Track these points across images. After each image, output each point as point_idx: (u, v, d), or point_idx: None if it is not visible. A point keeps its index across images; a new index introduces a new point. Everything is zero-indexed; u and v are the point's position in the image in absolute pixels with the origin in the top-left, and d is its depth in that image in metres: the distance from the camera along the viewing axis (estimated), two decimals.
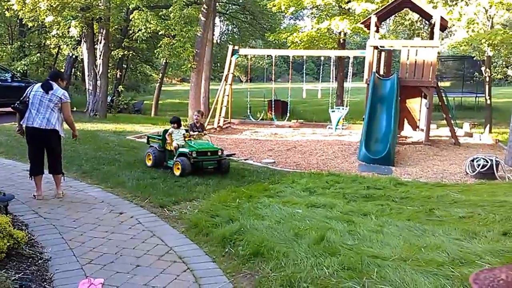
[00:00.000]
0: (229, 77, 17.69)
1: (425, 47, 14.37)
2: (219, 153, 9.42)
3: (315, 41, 22.13)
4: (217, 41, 36.57)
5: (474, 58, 23.45)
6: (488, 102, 18.16)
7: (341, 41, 23.32)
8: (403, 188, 8.86)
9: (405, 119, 16.14)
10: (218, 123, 17.01)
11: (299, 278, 4.56)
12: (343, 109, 16.61)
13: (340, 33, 22.45)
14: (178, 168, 8.98)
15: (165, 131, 9.76)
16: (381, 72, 16.19)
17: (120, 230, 6.17)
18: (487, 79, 18.14)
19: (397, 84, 13.65)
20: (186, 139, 9.45)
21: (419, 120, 15.92)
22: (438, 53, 19.52)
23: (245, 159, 11.51)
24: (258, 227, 6.11)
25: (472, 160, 10.19)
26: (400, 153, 12.87)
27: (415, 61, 14.25)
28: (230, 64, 17.74)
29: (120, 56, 24.32)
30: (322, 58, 17.99)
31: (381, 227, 6.35)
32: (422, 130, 14.95)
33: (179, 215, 6.82)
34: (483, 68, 18.94)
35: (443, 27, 15.70)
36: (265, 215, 6.67)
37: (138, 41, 20.28)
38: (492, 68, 21.18)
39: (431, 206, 7.50)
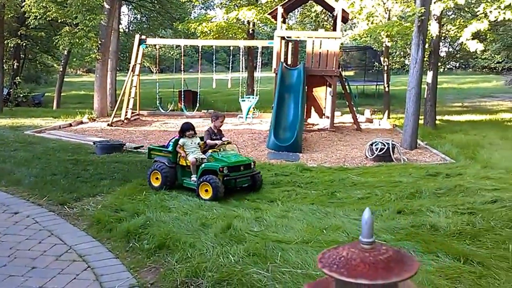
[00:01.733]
0: (137, 68, 17.13)
1: (328, 38, 14.95)
2: (252, 166, 7.58)
3: (224, 31, 22.14)
4: (124, 30, 35.23)
5: (374, 49, 24.91)
6: (387, 90, 19.38)
7: (251, 31, 23.56)
8: (308, 173, 9.19)
9: (312, 107, 16.72)
10: (126, 115, 16.43)
11: (204, 268, 4.55)
12: (253, 98, 16.81)
13: (249, 23, 22.64)
14: (206, 191, 6.88)
15: (176, 142, 7.56)
16: (289, 62, 16.59)
17: (15, 231, 5.76)
18: (386, 68, 19.33)
19: (304, 74, 14.06)
20: (211, 150, 7.37)
21: (324, 108, 16.57)
22: (342, 43, 20.42)
23: None
24: (165, 219, 6.01)
25: (371, 144, 10.82)
26: (307, 140, 13.31)
27: (320, 52, 14.78)
28: (137, 54, 17.16)
29: (14, 45, 22.53)
30: (232, 48, 18.02)
31: (287, 212, 6.54)
32: (328, 117, 15.58)
33: (81, 212, 6.50)
34: (382, 58, 20.15)
35: (345, 19, 16.42)
36: (172, 207, 6.57)
37: (36, 30, 18.86)
38: (390, 58, 22.56)
39: (333, 189, 7.87)
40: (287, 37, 15.89)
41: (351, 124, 16.13)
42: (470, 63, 47.89)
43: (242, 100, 16.60)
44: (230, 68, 18.45)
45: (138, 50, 17.18)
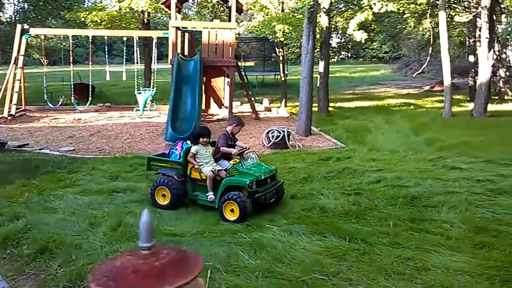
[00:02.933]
0: (20, 60, 15.78)
1: (223, 28, 14.94)
2: (276, 176, 6.49)
3: (117, 21, 21.21)
4: (7, 20, 32.33)
5: (271, 40, 25.40)
6: (283, 79, 19.93)
7: (145, 21, 22.85)
8: None
9: (211, 98, 16.68)
10: (9, 111, 15.09)
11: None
12: (149, 90, 16.33)
13: (143, 12, 21.91)
14: (232, 211, 5.76)
15: (187, 150, 6.37)
16: (186, 53, 16.31)
17: None
18: (281, 58, 19.85)
19: (200, 64, 13.93)
20: (232, 161, 6.31)
21: (223, 98, 16.62)
22: (238, 34, 20.55)
23: (40, 149, 10.45)
24: (49, 221, 5.59)
25: (268, 133, 11.05)
26: None
27: (216, 42, 14.74)
28: (19, 45, 15.80)
29: None
30: (126, 39, 17.29)
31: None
32: (227, 107, 15.63)
33: None
34: (277, 49, 20.64)
35: (240, 10, 16.52)
36: (57, 208, 6.14)
37: None
38: (286, 48, 23.18)
39: None
40: (183, 27, 15.61)
41: (250, 113, 16.33)
42: (360, 53, 50.98)
43: (138, 93, 16.06)
44: (125, 60, 17.68)
45: (20, 41, 15.83)
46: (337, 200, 6.48)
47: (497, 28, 17.22)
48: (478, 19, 17.50)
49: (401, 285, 4.09)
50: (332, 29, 22.74)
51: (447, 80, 16.01)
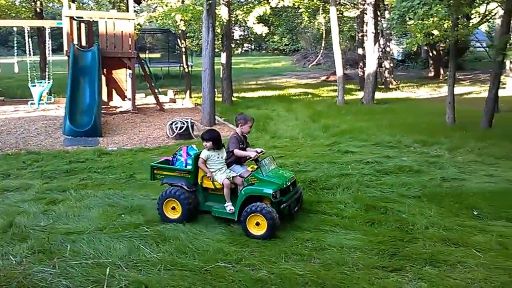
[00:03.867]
0: None
1: (121, 19, 14.44)
2: (296, 182, 5.85)
3: (7, 10, 19.63)
4: None
5: (174, 32, 24.99)
6: (187, 70, 19.77)
7: (38, 10, 21.33)
8: (107, 157, 8.83)
9: (114, 90, 16.08)
10: None
11: None
12: (45, 82, 15.29)
13: (35, 1, 20.43)
14: (258, 224, 5.05)
15: (197, 156, 5.58)
16: (84, 44, 15.52)
17: None
18: (184, 50, 19.66)
19: (98, 55, 13.34)
20: (249, 167, 5.66)
21: (126, 90, 16.09)
22: (140, 25, 19.96)
23: None
24: None
25: (171, 124, 10.94)
26: (108, 123, 12.76)
27: (114, 33, 14.21)
28: None
29: None
30: (15, 29, 15.97)
31: (80, 201, 6.16)
32: (130, 99, 15.18)
33: None
34: (180, 41, 20.38)
35: (138, 0, 16.08)
36: None
37: None
38: (189, 40, 23.01)
39: (133, 171, 7.73)
40: (77, 17, 14.80)
41: (154, 105, 16.01)
42: (263, 46, 52.08)
43: (32, 85, 14.95)
44: (16, 51, 16.32)
45: None
46: None
47: (382, 23, 18.56)
48: (365, 14, 18.72)
49: (300, 266, 4.33)
50: (233, 22, 22.98)
51: (339, 71, 16.99)
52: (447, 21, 12.30)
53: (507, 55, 9.58)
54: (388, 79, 23.08)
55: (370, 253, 4.61)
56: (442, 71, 26.01)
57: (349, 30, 29.50)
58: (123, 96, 16.20)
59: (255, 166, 5.43)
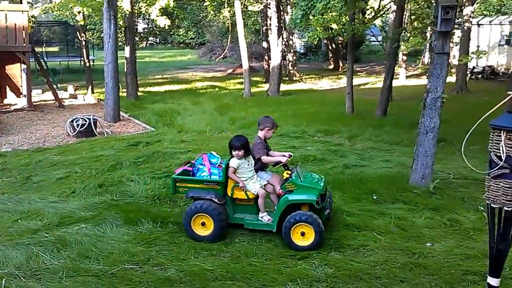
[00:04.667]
0: None
1: (14, 11, 13.35)
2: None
3: None
4: None
5: (73, 24, 23.54)
6: (88, 64, 18.77)
7: None
8: (0, 159, 8.13)
9: (7, 87, 14.86)
10: None
11: None
12: None
13: None
14: (303, 234, 4.62)
15: (227, 166, 5.02)
16: None
17: None
18: (84, 43, 18.64)
19: None
20: (285, 173, 5.02)
21: (21, 86, 14.92)
22: (34, 17, 18.57)
23: None
24: None
25: (72, 121, 10.33)
26: (2, 122, 11.76)
27: (6, 26, 13.08)
28: None
29: None
30: None
31: None
32: (25, 96, 14.09)
33: None
34: (79, 33, 19.27)
35: None
36: None
37: None
38: (90, 33, 21.82)
39: (29, 173, 7.20)
40: None
41: (53, 101, 15.01)
42: (168, 39, 51.02)
43: None
44: None
45: None
46: (147, 185, 6.46)
47: (284, 17, 19.06)
48: (268, 9, 19.09)
49: (210, 261, 4.32)
50: (136, 14, 22.23)
51: (245, 64, 17.20)
52: (345, 15, 12.94)
53: (400, 47, 10.29)
54: (291, 72, 23.80)
55: (278, 243, 4.72)
56: (341, 64, 27.38)
57: (254, 24, 29.91)
58: (18, 93, 15.01)
59: (289, 172, 5.00)
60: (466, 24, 17.04)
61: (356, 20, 13.96)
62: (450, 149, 8.73)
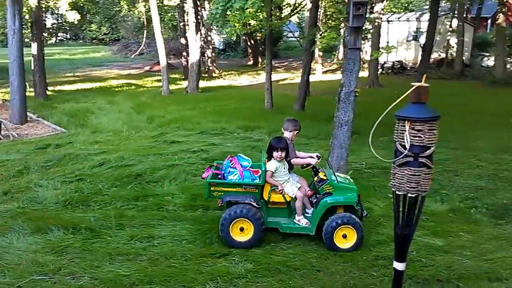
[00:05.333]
0: None
1: None
2: None
3: None
4: None
5: None
6: None
7: None
8: None
9: None
10: None
11: None
12: None
13: None
14: (345, 236, 4.55)
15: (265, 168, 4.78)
16: None
17: None
18: None
19: None
20: (321, 175, 4.88)
21: None
22: None
23: None
24: None
25: None
26: None
27: None
28: None
29: None
30: None
31: None
32: None
33: None
34: None
35: None
36: None
37: None
38: None
39: None
40: None
41: None
42: (80, 35, 48.68)
43: None
44: None
45: None
46: (57, 190, 6.07)
47: (202, 13, 18.88)
48: (185, 4, 18.80)
49: (127, 266, 4.14)
50: (44, 9, 20.91)
51: (163, 60, 16.81)
52: (262, 12, 13.07)
53: (316, 43, 10.57)
54: (211, 68, 23.69)
55: (198, 242, 4.64)
56: (260, 59, 27.72)
57: (171, 19, 29.36)
58: None
59: (324, 173, 4.92)
60: (377, 21, 17.92)
61: (273, 16, 14.16)
62: (363, 141, 9.13)
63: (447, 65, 23.23)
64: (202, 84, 18.38)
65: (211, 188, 4.77)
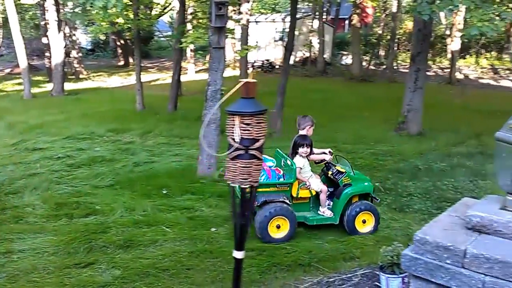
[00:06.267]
0: None
1: None
2: None
3: None
4: None
5: None
6: None
7: None
8: None
9: None
10: None
11: None
12: None
13: None
14: (364, 222, 5.10)
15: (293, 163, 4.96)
16: None
17: None
18: None
19: None
20: (339, 168, 5.18)
21: None
22: None
23: None
24: None
25: None
26: None
27: None
28: None
29: None
30: None
31: None
32: None
33: None
34: None
35: None
36: None
37: None
38: None
39: None
40: None
41: None
42: None
43: None
44: None
45: None
46: None
47: (64, 10, 17.70)
48: (45, 1, 17.49)
49: None
50: None
51: (23, 62, 15.49)
52: (129, 11, 12.71)
53: (183, 43, 10.56)
54: (78, 69, 22.38)
55: (62, 253, 4.41)
56: (131, 60, 26.88)
57: (32, 18, 27.10)
58: None
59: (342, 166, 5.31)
60: (244, 21, 18.48)
61: (141, 16, 13.88)
62: None
63: (311, 63, 24.84)
64: (69, 86, 17.34)
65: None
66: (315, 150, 5.44)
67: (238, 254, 3.03)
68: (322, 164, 5.46)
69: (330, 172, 5.26)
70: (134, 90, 13.25)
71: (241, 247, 3.02)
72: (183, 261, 4.25)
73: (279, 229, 4.89)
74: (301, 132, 5.34)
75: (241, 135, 2.68)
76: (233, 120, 2.68)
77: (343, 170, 5.20)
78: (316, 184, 5.16)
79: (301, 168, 5.08)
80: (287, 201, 4.95)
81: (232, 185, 2.82)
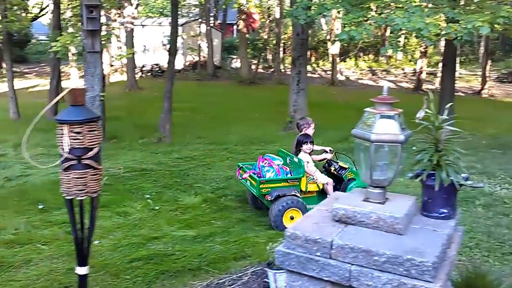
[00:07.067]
0: None
1: None
2: None
3: None
4: None
5: None
6: None
7: None
8: None
9: None
10: None
11: None
12: None
13: None
14: None
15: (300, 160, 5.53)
16: None
17: None
18: None
19: None
20: (342, 164, 5.82)
21: None
22: None
23: None
24: None
25: None
26: None
27: None
28: None
29: None
30: None
31: None
32: None
33: None
34: None
35: None
36: None
37: None
38: None
39: None
40: None
41: None
42: None
43: None
44: None
45: None
46: None
47: None
48: None
49: None
50: None
51: None
52: None
53: (53, 47, 9.82)
54: None
55: None
56: (5, 65, 24.62)
57: None
58: None
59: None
60: (128, 24, 17.87)
61: (12, 18, 12.73)
62: (122, 145, 9.01)
63: (201, 67, 24.78)
64: None
65: (261, 186, 5.35)
66: (315, 147, 5.92)
67: (81, 270, 2.78)
68: (323, 162, 5.95)
69: (332, 168, 5.75)
70: (6, 98, 12.12)
71: (84, 262, 2.78)
72: (60, 279, 3.90)
73: (292, 220, 5.24)
74: (303, 132, 5.85)
75: (71, 144, 2.51)
76: (62, 129, 2.49)
77: (346, 166, 5.69)
78: (322, 177, 5.63)
79: (308, 162, 5.55)
80: (298, 194, 5.41)
81: (68, 198, 2.61)
